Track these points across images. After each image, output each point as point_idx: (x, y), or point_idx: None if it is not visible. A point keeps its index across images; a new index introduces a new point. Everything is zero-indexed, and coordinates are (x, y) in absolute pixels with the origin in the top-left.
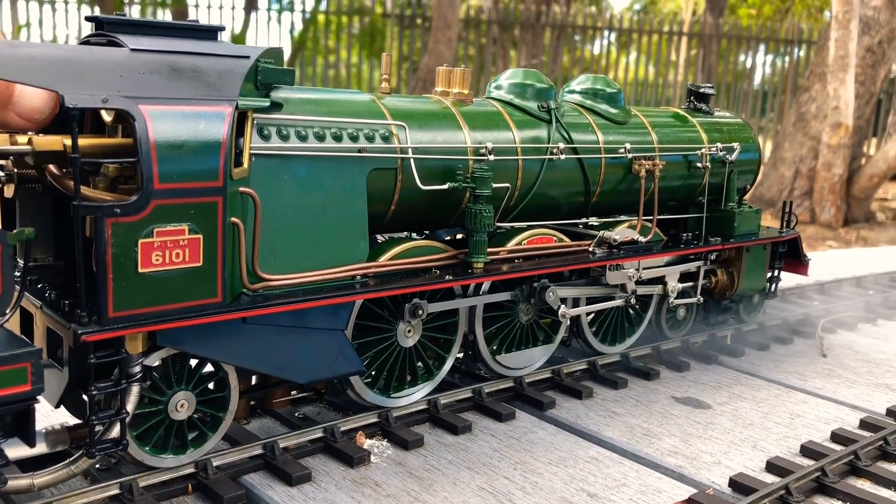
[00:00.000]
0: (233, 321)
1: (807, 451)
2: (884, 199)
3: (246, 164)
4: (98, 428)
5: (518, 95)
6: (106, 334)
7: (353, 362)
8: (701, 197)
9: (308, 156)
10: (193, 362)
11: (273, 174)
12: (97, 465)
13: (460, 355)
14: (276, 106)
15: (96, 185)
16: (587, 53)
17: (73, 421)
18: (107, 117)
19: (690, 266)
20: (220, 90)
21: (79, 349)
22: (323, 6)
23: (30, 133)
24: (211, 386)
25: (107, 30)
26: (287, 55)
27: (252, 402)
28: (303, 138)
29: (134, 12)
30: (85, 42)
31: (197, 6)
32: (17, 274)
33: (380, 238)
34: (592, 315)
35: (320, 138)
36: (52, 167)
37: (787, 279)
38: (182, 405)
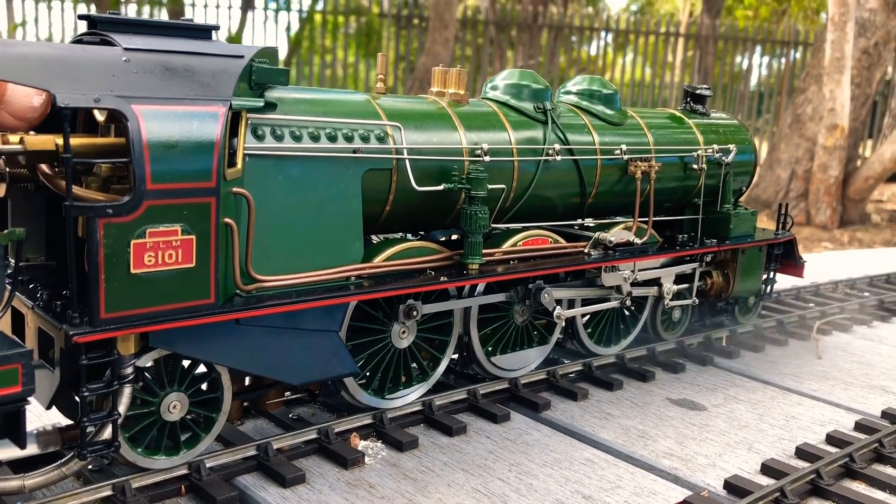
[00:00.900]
0: (226, 322)
1: (802, 453)
2: (879, 201)
3: (240, 165)
4: (90, 429)
5: (514, 96)
6: (98, 335)
7: (346, 364)
8: (697, 198)
9: (303, 156)
10: (186, 363)
11: (267, 174)
12: (89, 467)
13: (455, 356)
14: (271, 106)
15: (89, 185)
16: (584, 54)
17: (64, 422)
18: (99, 117)
19: (686, 268)
20: (214, 90)
21: (70, 350)
22: (320, 6)
23: (21, 133)
24: (204, 387)
25: (100, 29)
26: (284, 55)
27: (245, 404)
28: (297, 138)
29: (130, 11)
30: (78, 41)
31: (193, 5)
32: (9, 273)
33: (374, 239)
34: (588, 316)
35: (315, 139)
36: (44, 167)
37: (783, 281)
38: (174, 406)
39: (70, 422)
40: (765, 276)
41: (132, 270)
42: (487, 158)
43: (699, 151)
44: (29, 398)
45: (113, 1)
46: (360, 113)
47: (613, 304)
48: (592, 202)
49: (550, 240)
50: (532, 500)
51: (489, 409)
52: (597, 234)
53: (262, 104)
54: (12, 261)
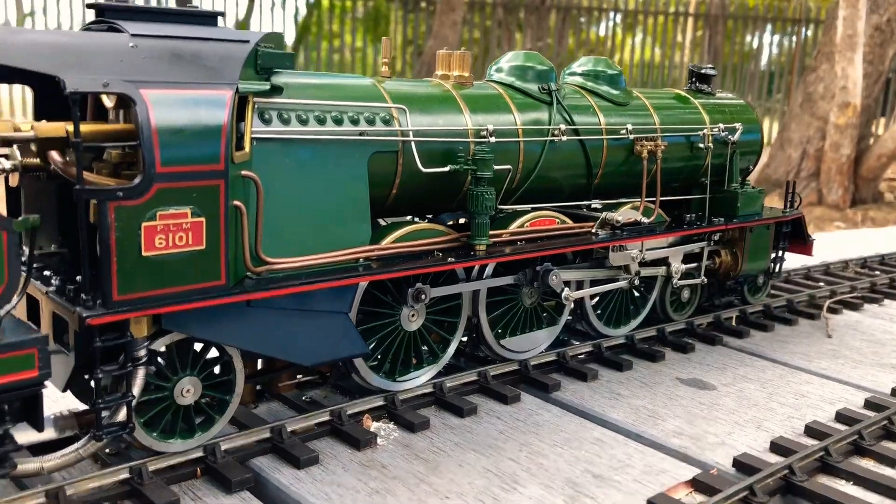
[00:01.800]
0: (237, 304)
1: (811, 431)
2: (892, 179)
3: (247, 148)
4: (105, 411)
5: (519, 78)
6: (110, 317)
7: (357, 344)
8: (704, 178)
9: (309, 139)
10: (198, 347)
11: (275, 158)
12: (106, 450)
13: (465, 339)
14: (277, 90)
15: (99, 170)
16: (593, 35)
17: (80, 407)
18: (108, 103)
19: (694, 247)
20: (221, 74)
21: (84, 333)
22: None
23: (31, 121)
24: (217, 370)
25: (107, 16)
26: (291, 40)
27: (258, 387)
28: (304, 122)
29: None
30: (87, 29)
31: None
32: (23, 261)
33: (382, 222)
34: (597, 298)
35: (321, 122)
36: (54, 154)
37: (792, 260)
38: (188, 390)
39: (85, 406)
40: (773, 255)
41: (143, 253)
42: (493, 140)
43: (705, 130)
44: (45, 382)
45: None
46: (366, 96)
47: (622, 284)
48: (599, 183)
49: (558, 220)
50: (542, 480)
51: (499, 390)
52: (604, 214)
53: (268, 88)
54: (26, 248)
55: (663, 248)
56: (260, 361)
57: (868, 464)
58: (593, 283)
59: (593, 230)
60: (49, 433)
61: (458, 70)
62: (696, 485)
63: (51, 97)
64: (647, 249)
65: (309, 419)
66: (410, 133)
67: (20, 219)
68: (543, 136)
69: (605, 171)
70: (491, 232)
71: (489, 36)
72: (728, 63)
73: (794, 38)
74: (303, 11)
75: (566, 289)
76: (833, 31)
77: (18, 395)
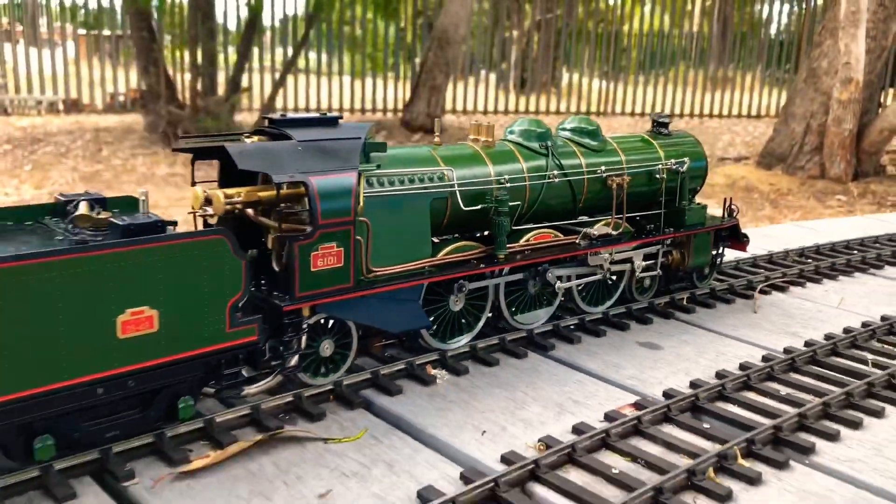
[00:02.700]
0: (358, 297)
1: (718, 375)
2: (894, 153)
3: (362, 204)
4: (287, 358)
5: (525, 138)
6: (294, 306)
7: (423, 320)
8: (660, 198)
9: (395, 194)
10: (330, 322)
11: (377, 207)
12: (282, 384)
13: (490, 315)
14: (377, 165)
15: (271, 217)
16: (602, 5)
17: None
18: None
19: (652, 249)
20: (348, 162)
21: (277, 314)
22: None
23: (235, 188)
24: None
25: (276, 125)
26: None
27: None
28: (391, 184)
29: None
30: (260, 131)
31: None
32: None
33: (435, 240)
34: (581, 286)
35: (402, 183)
36: (249, 210)
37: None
38: (327, 347)
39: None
40: (714, 252)
41: (311, 269)
42: (508, 185)
43: (660, 164)
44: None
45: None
46: (427, 161)
47: (598, 276)
48: (581, 207)
49: (552, 235)
50: (541, 403)
51: (513, 349)
52: (584, 229)
53: (374, 168)
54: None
55: (629, 251)
56: (361, 331)
57: (754, 396)
58: (578, 276)
59: (577, 241)
60: (250, 373)
61: (484, 136)
62: (637, 405)
63: (230, 171)
64: (616, 253)
65: (393, 367)
66: (455, 185)
67: (249, 251)
68: (542, 179)
69: (585, 199)
70: (507, 245)
71: (499, 7)
72: (738, 31)
73: (805, 9)
74: None
75: (558, 282)
76: (837, 7)
77: (247, 350)
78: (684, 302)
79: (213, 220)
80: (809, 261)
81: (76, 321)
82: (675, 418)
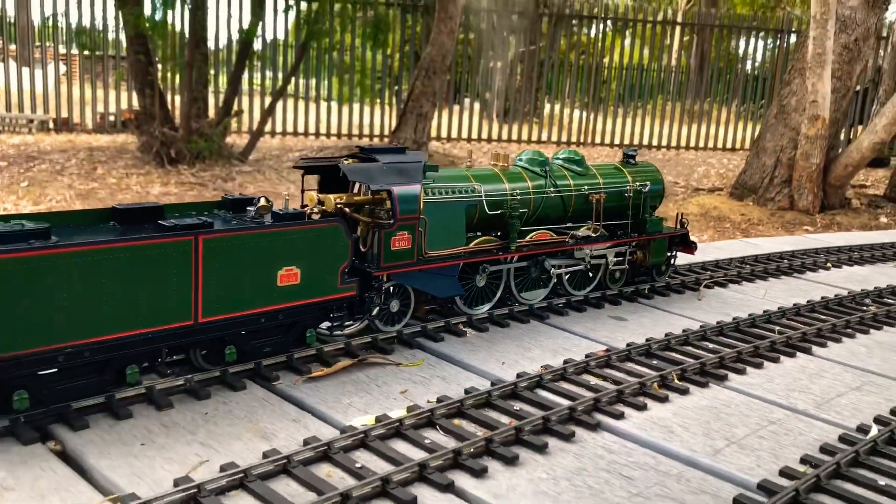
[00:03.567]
0: (419, 270)
1: (666, 335)
2: (863, 186)
3: (422, 206)
4: (371, 310)
5: (530, 164)
6: (379, 273)
7: (459, 290)
8: (628, 211)
9: (443, 201)
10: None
11: (431, 209)
12: (366, 327)
13: (503, 292)
14: (432, 180)
15: (363, 214)
16: (584, 38)
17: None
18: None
19: (622, 248)
20: (415, 178)
21: (367, 277)
22: None
23: (337, 194)
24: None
25: (368, 152)
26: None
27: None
28: (441, 194)
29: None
30: (354, 155)
31: None
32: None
33: (469, 235)
34: (569, 274)
35: (447, 193)
36: (347, 209)
37: (698, 256)
38: (395, 305)
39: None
40: (668, 254)
41: (391, 249)
42: (519, 197)
43: (628, 186)
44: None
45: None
46: (463, 179)
47: (581, 267)
48: (570, 216)
49: (549, 235)
50: (540, 351)
51: (520, 317)
52: (572, 232)
53: (430, 182)
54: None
55: (604, 249)
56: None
57: (689, 348)
58: (567, 266)
59: (567, 240)
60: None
61: (502, 163)
62: (607, 350)
63: (332, 178)
64: (594, 250)
65: (436, 323)
66: (483, 196)
67: (354, 235)
68: (542, 194)
69: (573, 210)
70: (517, 240)
71: (483, 38)
72: (714, 67)
73: (777, 48)
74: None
75: (553, 269)
76: (805, 48)
77: (349, 301)
78: (646, 291)
79: (316, 217)
80: (747, 266)
81: (256, 272)
82: (634, 358)
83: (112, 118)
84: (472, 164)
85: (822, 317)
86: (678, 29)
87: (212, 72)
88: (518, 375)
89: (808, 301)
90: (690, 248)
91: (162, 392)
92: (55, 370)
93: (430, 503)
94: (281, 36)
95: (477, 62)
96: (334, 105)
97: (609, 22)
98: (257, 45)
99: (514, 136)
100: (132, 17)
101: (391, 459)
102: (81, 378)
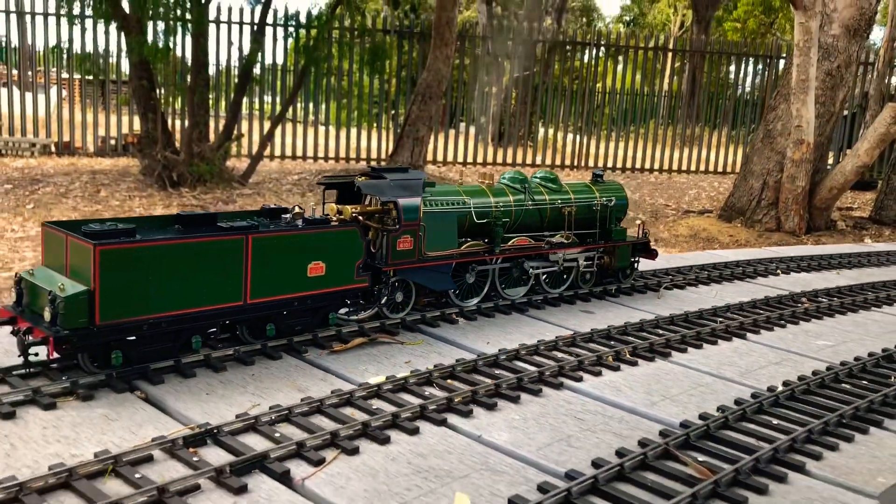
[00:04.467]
0: (418, 267)
1: (626, 324)
2: (850, 208)
3: (422, 215)
4: (381, 298)
5: (511, 182)
6: (388, 268)
7: (452, 285)
8: (596, 222)
9: (438, 211)
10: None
11: (429, 218)
12: (375, 314)
13: (489, 289)
14: (430, 194)
15: (373, 221)
16: (577, 63)
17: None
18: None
19: (590, 253)
20: (416, 192)
21: (376, 272)
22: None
23: (354, 205)
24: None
25: (378, 171)
26: (291, 64)
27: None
28: (437, 205)
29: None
30: (367, 174)
31: (218, 24)
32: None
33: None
34: (546, 275)
35: (442, 205)
36: (360, 217)
37: (661, 263)
38: (399, 296)
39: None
40: (632, 260)
41: (397, 249)
42: (502, 209)
43: (595, 200)
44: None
45: (144, 24)
46: (455, 193)
47: (556, 269)
48: (546, 225)
49: (528, 241)
50: (521, 335)
51: (503, 309)
52: (548, 238)
53: (429, 196)
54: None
55: (576, 254)
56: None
57: (645, 334)
58: (543, 268)
59: (543, 245)
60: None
61: (488, 181)
62: (574, 334)
63: (346, 192)
64: (567, 255)
65: (433, 312)
66: (471, 207)
67: (367, 238)
68: (521, 207)
69: (548, 220)
70: (501, 245)
71: (478, 63)
72: (705, 92)
73: (767, 73)
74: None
75: (531, 270)
76: (789, 75)
77: (362, 291)
78: (613, 291)
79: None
80: (705, 271)
81: (291, 265)
82: (596, 340)
83: (113, 142)
84: (463, 182)
85: (760, 311)
86: (670, 55)
87: (212, 97)
88: (500, 352)
89: (751, 299)
90: (651, 254)
91: (217, 359)
92: (140, 337)
93: (428, 434)
94: (280, 61)
95: (472, 87)
96: (332, 129)
97: (602, 48)
98: (257, 70)
99: (509, 160)
100: (136, 44)
101: (398, 404)
102: (158, 344)
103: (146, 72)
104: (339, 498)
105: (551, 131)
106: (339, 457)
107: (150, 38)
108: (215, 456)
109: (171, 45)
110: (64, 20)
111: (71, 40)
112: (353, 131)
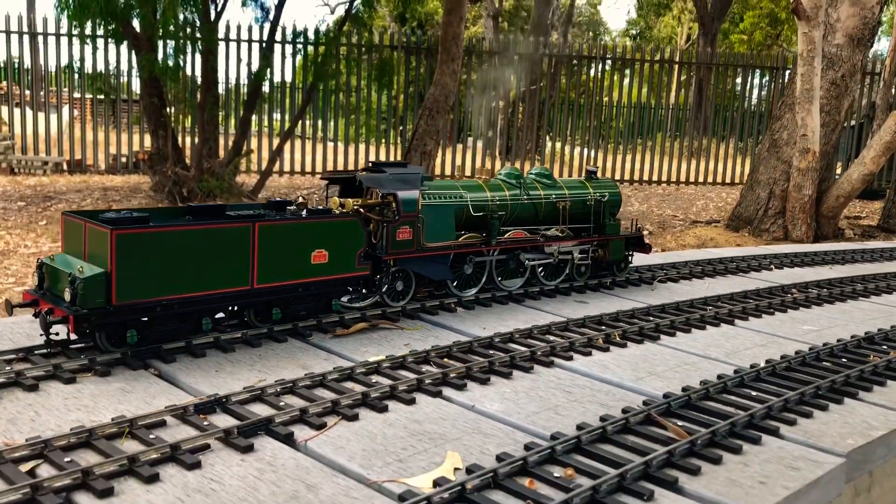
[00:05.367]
0: (417, 257)
1: (618, 311)
2: (858, 217)
3: (420, 207)
4: (382, 286)
5: (507, 177)
6: (388, 257)
7: (450, 275)
8: (590, 216)
9: (437, 204)
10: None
11: (427, 210)
12: (374, 304)
13: (486, 280)
14: (426, 187)
15: (374, 213)
16: (584, 76)
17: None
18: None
19: (585, 247)
20: (414, 185)
21: (377, 261)
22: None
23: (356, 199)
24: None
25: (378, 165)
26: (300, 80)
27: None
28: (435, 199)
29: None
30: (367, 168)
31: (227, 42)
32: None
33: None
34: (541, 268)
35: (440, 199)
36: (361, 210)
37: (656, 259)
38: (399, 285)
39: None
40: (626, 253)
41: (396, 239)
42: (498, 203)
43: (589, 195)
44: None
45: (154, 42)
46: (453, 188)
47: (551, 261)
48: (541, 219)
49: (524, 234)
50: (515, 320)
51: (500, 299)
52: (543, 231)
53: (427, 189)
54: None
55: (570, 247)
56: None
57: (635, 320)
58: (539, 260)
59: (538, 238)
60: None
61: (486, 176)
62: (567, 320)
63: (349, 188)
64: (562, 247)
65: (433, 302)
66: (468, 200)
67: (367, 229)
68: (517, 201)
69: (543, 214)
70: (497, 237)
71: (486, 77)
72: (712, 104)
73: (773, 84)
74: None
75: (527, 262)
76: (794, 84)
77: (363, 279)
78: (607, 283)
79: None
80: (699, 266)
81: (295, 252)
82: (588, 325)
83: (124, 159)
84: (461, 175)
85: (751, 300)
86: (676, 68)
87: (222, 114)
88: (495, 336)
89: (742, 290)
90: (645, 249)
91: (226, 340)
92: (153, 318)
93: (424, 404)
94: (289, 78)
95: (480, 101)
96: (340, 145)
97: (608, 61)
98: (266, 87)
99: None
100: (147, 62)
101: (396, 378)
102: (170, 325)
103: (157, 89)
104: (338, 456)
105: (559, 145)
106: (339, 422)
107: (160, 55)
108: (224, 421)
109: (181, 62)
110: (76, 40)
111: (82, 60)
112: (362, 146)
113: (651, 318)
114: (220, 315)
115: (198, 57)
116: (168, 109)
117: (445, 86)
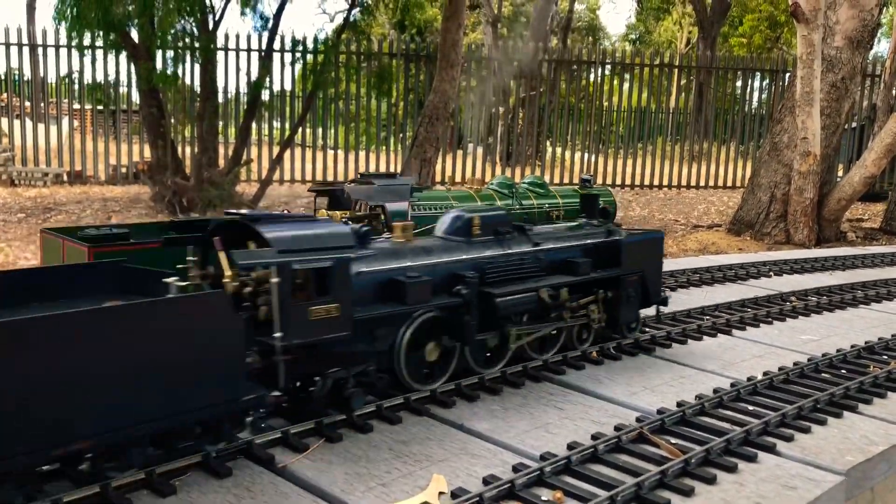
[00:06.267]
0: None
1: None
2: (860, 220)
3: (410, 218)
4: None
5: (500, 187)
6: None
7: None
8: None
9: (427, 214)
10: None
11: (417, 217)
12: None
13: None
14: (418, 199)
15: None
16: (584, 82)
17: None
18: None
19: None
20: (404, 196)
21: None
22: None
23: (343, 211)
24: None
25: (366, 177)
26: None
27: None
28: (425, 210)
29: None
30: (356, 180)
31: (226, 51)
32: None
33: None
34: None
35: (430, 209)
36: (349, 221)
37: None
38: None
39: None
40: None
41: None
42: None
43: None
44: None
45: (152, 51)
46: (443, 198)
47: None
48: None
49: None
50: None
51: None
52: None
53: (416, 200)
54: None
55: None
56: None
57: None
58: None
59: None
60: None
61: (476, 186)
62: None
63: (335, 201)
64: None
65: None
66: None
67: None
68: (510, 210)
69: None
70: None
71: (485, 83)
72: (712, 107)
73: (773, 87)
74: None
75: None
76: (794, 88)
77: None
78: None
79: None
80: (697, 274)
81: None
82: None
83: (124, 170)
84: (451, 185)
85: (749, 309)
86: (676, 71)
87: (221, 123)
88: None
89: (741, 298)
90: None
91: None
92: None
93: (410, 422)
94: (288, 87)
95: (479, 108)
96: (340, 153)
97: (608, 66)
98: (265, 96)
99: (518, 179)
100: (146, 72)
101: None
102: None
103: (156, 100)
104: (319, 480)
105: (559, 150)
106: (321, 444)
107: (159, 65)
108: None
109: (179, 72)
110: (75, 51)
111: (81, 71)
112: (362, 154)
113: (646, 330)
114: None
115: (197, 66)
116: (167, 120)
117: (445, 93)
